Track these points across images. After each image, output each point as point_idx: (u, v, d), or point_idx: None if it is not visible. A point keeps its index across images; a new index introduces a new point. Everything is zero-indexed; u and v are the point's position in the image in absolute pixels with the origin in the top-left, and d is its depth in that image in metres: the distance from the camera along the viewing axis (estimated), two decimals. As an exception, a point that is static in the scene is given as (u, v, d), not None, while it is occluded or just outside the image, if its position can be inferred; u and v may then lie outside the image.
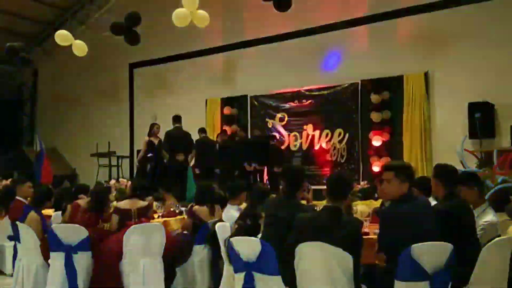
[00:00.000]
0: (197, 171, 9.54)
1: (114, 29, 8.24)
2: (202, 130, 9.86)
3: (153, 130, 9.43)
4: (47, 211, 5.77)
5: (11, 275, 4.87)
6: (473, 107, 8.27)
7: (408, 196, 3.19)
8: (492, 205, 3.86)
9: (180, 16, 7.15)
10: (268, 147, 9.93)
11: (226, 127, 11.60)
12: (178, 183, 9.10)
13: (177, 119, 9.34)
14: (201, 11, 7.27)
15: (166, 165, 9.48)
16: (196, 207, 4.90)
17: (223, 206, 5.06)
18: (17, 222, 4.58)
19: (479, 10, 8.68)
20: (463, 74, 8.84)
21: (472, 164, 7.56)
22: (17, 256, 4.69)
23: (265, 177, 10.06)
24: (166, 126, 9.68)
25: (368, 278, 3.26)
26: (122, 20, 8.58)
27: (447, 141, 8.55)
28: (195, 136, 9.66)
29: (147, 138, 9.40)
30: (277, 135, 11.10)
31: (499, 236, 3.40)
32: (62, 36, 8.47)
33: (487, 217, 3.56)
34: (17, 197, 5.43)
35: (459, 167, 6.79)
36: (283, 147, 11.04)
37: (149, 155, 9.32)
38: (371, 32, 10.07)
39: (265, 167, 9.96)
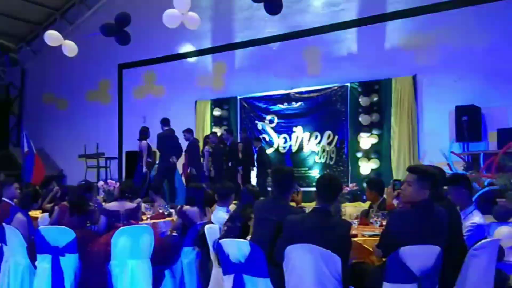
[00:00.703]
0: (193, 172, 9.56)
1: (104, 30, 8.17)
2: (189, 131, 9.82)
3: (147, 133, 9.45)
4: (34, 213, 5.72)
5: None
6: (460, 111, 8.36)
7: (427, 203, 3.08)
8: (478, 208, 3.89)
9: (170, 16, 7.12)
10: (255, 149, 10.00)
11: (215, 129, 11.60)
12: (168, 185, 9.11)
13: (167, 122, 9.34)
14: (192, 13, 7.25)
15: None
16: (186, 207, 4.89)
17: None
18: (4, 224, 4.52)
19: (467, 14, 8.78)
20: (450, 77, 8.94)
21: (459, 167, 7.64)
22: (3, 258, 4.63)
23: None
24: (155, 127, 9.65)
25: (357, 280, 3.27)
26: (111, 20, 8.53)
27: (434, 144, 8.63)
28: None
29: (145, 142, 9.34)
30: (266, 137, 11.14)
31: (485, 238, 3.44)
32: (52, 37, 8.38)
33: (474, 218, 3.59)
34: (4, 199, 5.36)
35: (446, 170, 6.88)
36: (272, 149, 11.08)
37: (149, 159, 9.31)
38: (360, 35, 10.14)
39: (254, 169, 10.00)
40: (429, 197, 3.09)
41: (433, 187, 3.12)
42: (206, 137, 10.30)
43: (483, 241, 3.22)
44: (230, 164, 9.79)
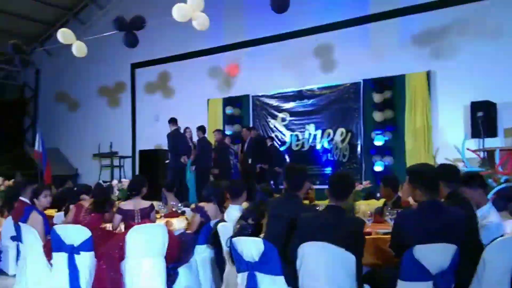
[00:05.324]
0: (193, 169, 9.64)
1: (116, 24, 8.18)
2: (201, 129, 9.87)
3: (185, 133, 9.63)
4: (49, 211, 5.79)
5: (14, 276, 4.88)
6: (475, 106, 8.25)
7: (432, 203, 3.04)
8: (494, 204, 3.84)
9: (181, 10, 7.09)
10: (267, 147, 10.02)
11: (228, 127, 11.62)
12: (179, 183, 9.17)
13: (175, 121, 9.45)
14: (201, 14, 7.23)
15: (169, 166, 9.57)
16: (203, 203, 4.89)
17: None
18: (20, 223, 4.59)
19: (481, 9, 8.67)
20: (465, 73, 8.83)
21: (474, 164, 7.55)
22: (20, 256, 4.70)
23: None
24: (168, 126, 9.72)
25: (371, 278, 3.25)
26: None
27: (449, 140, 8.54)
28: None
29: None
30: (279, 135, 11.13)
31: (502, 236, 3.39)
32: (64, 35, 8.44)
33: (490, 217, 3.54)
34: (21, 198, 5.43)
35: (462, 166, 6.80)
36: (284, 147, 11.07)
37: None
38: (373, 31, 10.05)
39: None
40: (432, 196, 3.06)
41: (423, 185, 3.07)
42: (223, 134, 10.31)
43: (499, 239, 3.18)
44: (250, 162, 9.80)
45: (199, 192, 9.30)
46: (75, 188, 6.65)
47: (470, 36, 8.84)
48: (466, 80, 8.80)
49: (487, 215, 3.56)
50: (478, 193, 3.66)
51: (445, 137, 9.01)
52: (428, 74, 9.41)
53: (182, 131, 9.83)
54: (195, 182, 9.65)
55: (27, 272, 4.43)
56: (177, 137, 9.38)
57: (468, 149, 7.73)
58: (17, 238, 4.77)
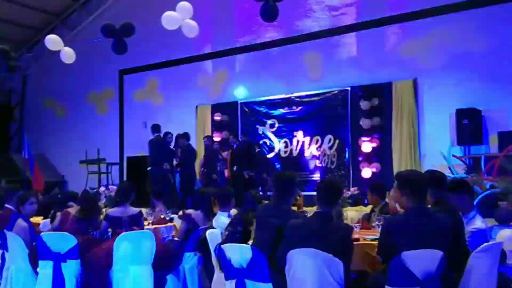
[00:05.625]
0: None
1: (104, 31, 8.15)
2: (185, 136, 9.87)
3: (179, 141, 9.66)
4: (35, 219, 5.72)
5: (-1, 284, 4.81)
6: (461, 114, 8.37)
7: (420, 209, 3.06)
8: (480, 211, 3.89)
9: (169, 18, 7.10)
10: (255, 154, 10.04)
11: (216, 134, 11.62)
12: (164, 190, 9.15)
13: (158, 128, 9.45)
14: (190, 21, 7.23)
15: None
16: (190, 211, 4.88)
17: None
18: (5, 230, 4.52)
19: (466, 18, 8.79)
20: (451, 81, 8.95)
21: (460, 170, 7.64)
22: (5, 264, 4.63)
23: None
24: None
25: (359, 284, 3.27)
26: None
27: (435, 147, 8.63)
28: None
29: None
30: (267, 142, 11.16)
31: (487, 241, 3.43)
32: (52, 41, 8.38)
33: (476, 223, 3.58)
34: (6, 205, 5.36)
35: (448, 173, 6.88)
36: (273, 154, 11.09)
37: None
38: (361, 39, 10.16)
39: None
40: (419, 203, 3.07)
41: (414, 194, 3.08)
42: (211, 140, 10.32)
43: (485, 244, 3.22)
44: (235, 168, 9.80)
45: (184, 199, 9.32)
46: (59, 195, 6.59)
47: (456, 45, 8.98)
48: (452, 88, 8.92)
49: (473, 221, 3.60)
50: (464, 199, 3.70)
51: (431, 144, 9.11)
52: (415, 82, 9.52)
53: (174, 138, 9.82)
54: (179, 189, 9.68)
55: (13, 281, 4.37)
56: (158, 144, 9.38)
57: (454, 156, 7.83)
58: (2, 246, 4.70)
